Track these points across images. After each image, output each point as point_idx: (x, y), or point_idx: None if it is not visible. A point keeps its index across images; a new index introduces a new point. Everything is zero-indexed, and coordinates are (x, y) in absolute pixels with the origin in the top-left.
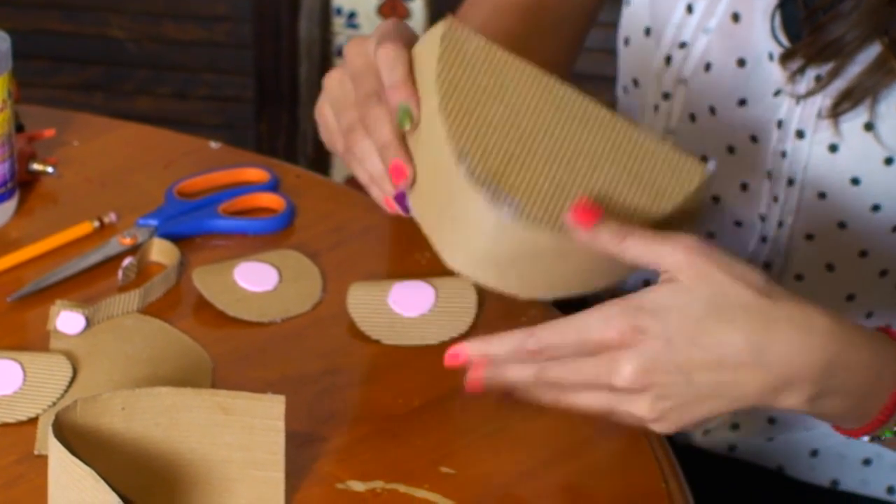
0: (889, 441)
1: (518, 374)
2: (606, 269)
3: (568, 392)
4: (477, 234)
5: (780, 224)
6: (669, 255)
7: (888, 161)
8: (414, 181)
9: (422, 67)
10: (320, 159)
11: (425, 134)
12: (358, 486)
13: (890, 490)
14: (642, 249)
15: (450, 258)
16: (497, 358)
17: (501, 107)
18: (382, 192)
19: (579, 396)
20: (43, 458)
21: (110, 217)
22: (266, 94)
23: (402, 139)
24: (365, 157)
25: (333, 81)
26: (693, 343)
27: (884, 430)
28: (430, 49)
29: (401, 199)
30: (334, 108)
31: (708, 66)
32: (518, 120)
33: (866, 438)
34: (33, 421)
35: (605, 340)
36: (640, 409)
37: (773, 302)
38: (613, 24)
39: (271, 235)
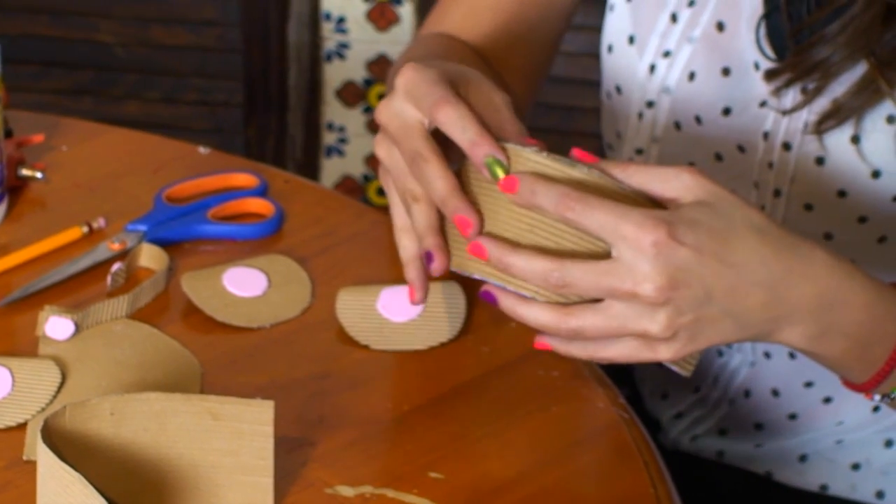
0: None
1: (535, 317)
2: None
3: (581, 314)
4: None
5: None
6: (675, 177)
7: (875, 174)
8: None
9: None
10: (309, 164)
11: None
12: (347, 491)
13: (879, 494)
14: (646, 174)
15: None
16: (514, 271)
17: None
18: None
19: (588, 318)
20: (32, 464)
21: (99, 222)
22: (255, 98)
23: (461, 192)
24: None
25: (382, 151)
26: (718, 258)
27: (891, 386)
28: None
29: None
30: (394, 180)
31: (692, 76)
32: None
33: (877, 398)
34: (22, 426)
35: (639, 243)
36: (657, 323)
37: (782, 230)
38: (598, 29)
39: (260, 240)
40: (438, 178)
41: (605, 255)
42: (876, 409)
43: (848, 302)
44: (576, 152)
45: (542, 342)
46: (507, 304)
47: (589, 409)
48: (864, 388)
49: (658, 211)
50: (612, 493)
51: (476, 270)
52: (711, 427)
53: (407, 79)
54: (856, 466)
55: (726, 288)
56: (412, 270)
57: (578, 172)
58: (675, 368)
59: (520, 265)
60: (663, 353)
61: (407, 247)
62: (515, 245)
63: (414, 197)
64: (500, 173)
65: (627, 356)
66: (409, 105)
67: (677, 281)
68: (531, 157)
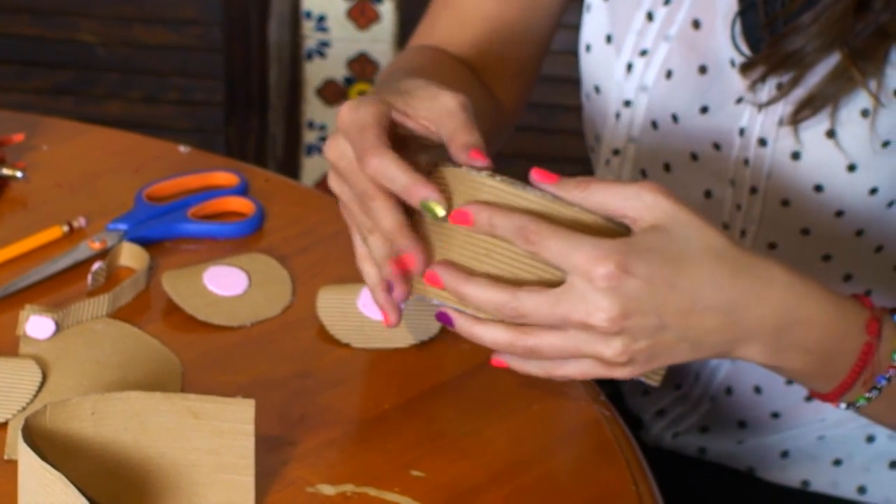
0: (867, 410)
1: (490, 336)
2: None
3: (536, 334)
4: None
5: (743, 233)
6: (635, 196)
7: (851, 167)
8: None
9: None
10: (290, 163)
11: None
12: (328, 489)
13: (860, 490)
14: (607, 193)
15: None
16: (470, 300)
17: None
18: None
19: (543, 339)
20: (13, 463)
21: (80, 221)
22: (236, 97)
23: (407, 228)
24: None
25: (335, 185)
26: (671, 285)
27: (856, 395)
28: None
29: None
30: (347, 214)
31: (669, 74)
32: None
33: (843, 406)
34: (3, 426)
35: (591, 275)
36: (612, 349)
37: (740, 251)
38: (574, 26)
39: (241, 239)
40: (384, 216)
41: (561, 281)
42: None
43: (807, 321)
44: (534, 173)
45: (499, 360)
46: (463, 325)
47: (570, 407)
48: (830, 399)
49: (610, 241)
50: (594, 491)
51: (435, 296)
52: (693, 424)
53: (341, 120)
54: (837, 462)
55: (680, 314)
56: (380, 295)
57: (533, 196)
58: (642, 379)
59: (474, 295)
60: (620, 374)
61: (370, 273)
62: (470, 273)
63: (368, 230)
64: (440, 211)
65: (583, 374)
66: (348, 146)
67: (630, 311)
68: (486, 182)
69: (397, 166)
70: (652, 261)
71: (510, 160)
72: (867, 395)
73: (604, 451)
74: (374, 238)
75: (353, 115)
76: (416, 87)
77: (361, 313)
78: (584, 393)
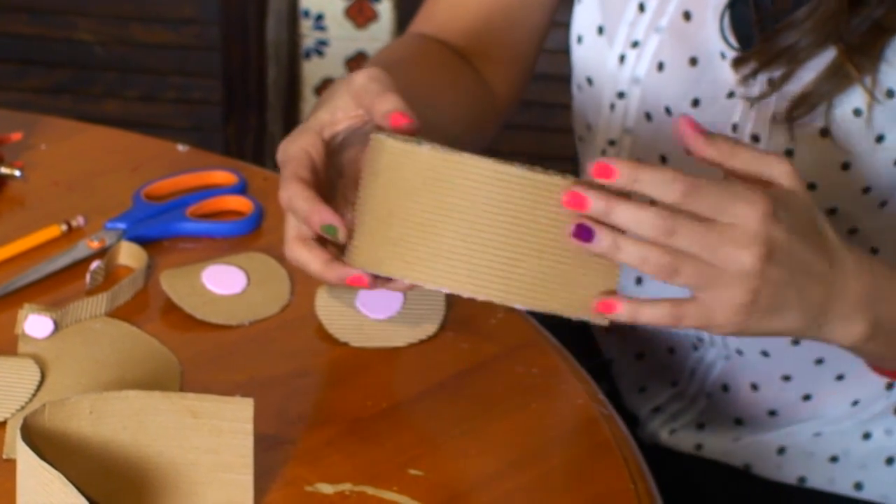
0: None
1: (639, 250)
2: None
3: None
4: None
5: None
6: (777, 163)
7: (845, 166)
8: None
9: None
10: None
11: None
12: (326, 488)
13: (857, 486)
14: (753, 152)
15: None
16: (621, 218)
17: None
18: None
19: (688, 224)
20: (11, 463)
21: (78, 220)
22: (234, 96)
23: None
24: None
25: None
26: (805, 241)
27: None
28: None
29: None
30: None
31: (661, 66)
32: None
33: None
34: (1, 425)
35: (749, 216)
36: (746, 284)
37: (832, 231)
38: (568, 24)
39: (239, 238)
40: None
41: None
42: (855, 402)
43: (888, 292)
44: (682, 122)
45: (608, 302)
46: (602, 205)
47: (568, 406)
48: None
49: (765, 190)
50: (592, 490)
51: (391, 270)
52: (690, 421)
53: (283, 154)
54: (834, 459)
55: (804, 267)
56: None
57: (472, 159)
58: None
59: (628, 211)
60: (738, 318)
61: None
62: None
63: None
64: (340, 235)
65: (700, 316)
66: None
67: (772, 252)
68: (421, 152)
69: (301, 196)
70: (793, 214)
71: (507, 158)
72: None
73: (602, 450)
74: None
75: (282, 153)
76: (329, 93)
77: (360, 312)
78: (583, 391)
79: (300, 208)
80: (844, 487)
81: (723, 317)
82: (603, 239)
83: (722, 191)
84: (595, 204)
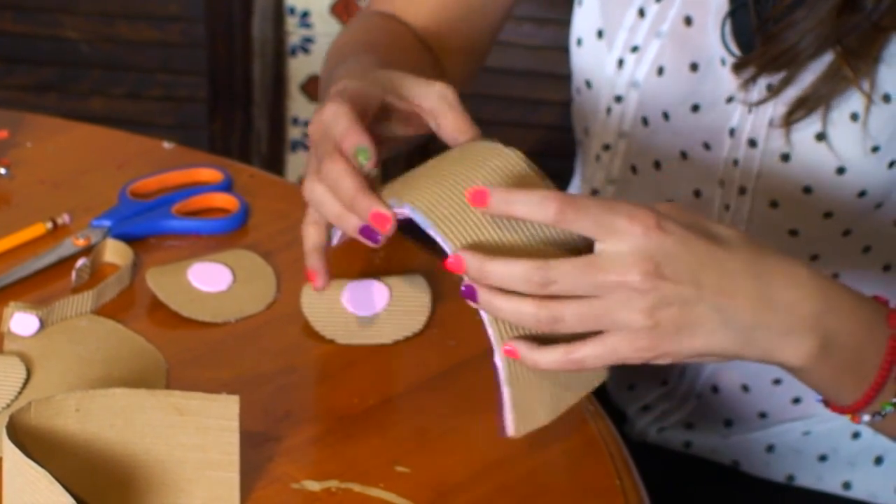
0: (890, 420)
1: (513, 307)
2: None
3: (562, 301)
4: None
5: None
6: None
7: (840, 170)
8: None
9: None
10: (274, 159)
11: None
12: (313, 485)
13: (845, 485)
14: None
15: None
16: (494, 279)
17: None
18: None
19: (569, 306)
20: None
21: (64, 218)
22: (219, 93)
23: (368, 186)
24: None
25: (309, 157)
26: (708, 253)
27: (883, 401)
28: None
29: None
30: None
31: (661, 71)
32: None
33: (866, 418)
34: None
35: (629, 231)
36: (641, 307)
37: (762, 244)
38: (563, 22)
39: (225, 235)
40: (346, 175)
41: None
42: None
43: (837, 308)
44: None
45: (511, 348)
46: (486, 297)
47: None
48: (855, 408)
49: (645, 207)
50: (578, 485)
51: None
52: (679, 420)
53: (325, 109)
54: (823, 458)
55: (712, 287)
56: (314, 258)
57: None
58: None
59: (500, 270)
60: (641, 354)
61: (311, 235)
62: (493, 251)
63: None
64: (365, 160)
65: (602, 355)
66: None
67: (663, 268)
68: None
69: (345, 114)
70: (686, 226)
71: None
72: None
73: (588, 446)
74: (329, 198)
75: (332, 109)
76: (397, 81)
77: (346, 309)
78: None
79: (341, 125)
80: (833, 486)
81: (628, 348)
82: (480, 298)
83: (600, 206)
84: (470, 265)
